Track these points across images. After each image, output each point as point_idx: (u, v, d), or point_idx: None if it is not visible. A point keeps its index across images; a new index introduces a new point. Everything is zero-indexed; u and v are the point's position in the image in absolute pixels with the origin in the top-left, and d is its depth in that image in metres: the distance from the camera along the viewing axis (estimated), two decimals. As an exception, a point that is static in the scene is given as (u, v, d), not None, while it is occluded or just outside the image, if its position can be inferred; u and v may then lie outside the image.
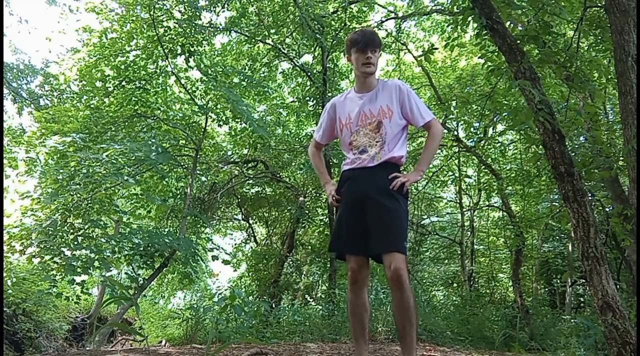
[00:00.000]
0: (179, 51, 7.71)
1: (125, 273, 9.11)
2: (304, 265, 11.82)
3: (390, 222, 2.30)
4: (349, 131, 2.52)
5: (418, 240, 11.47)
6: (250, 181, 11.04)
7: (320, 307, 7.21)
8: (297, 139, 10.29)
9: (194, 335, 5.43)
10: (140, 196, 8.77)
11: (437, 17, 10.17)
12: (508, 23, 4.08)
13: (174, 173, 9.36)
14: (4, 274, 6.03)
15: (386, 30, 10.64)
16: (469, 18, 3.92)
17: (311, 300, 9.81)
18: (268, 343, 4.24)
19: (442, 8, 8.54)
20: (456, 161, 10.87)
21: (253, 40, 9.44)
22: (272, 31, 9.26)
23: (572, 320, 6.51)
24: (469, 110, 8.24)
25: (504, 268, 11.84)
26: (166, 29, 7.59)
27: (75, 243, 6.50)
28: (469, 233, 11.27)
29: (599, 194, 8.10)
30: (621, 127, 3.63)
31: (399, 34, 10.24)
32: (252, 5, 8.96)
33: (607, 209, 8.22)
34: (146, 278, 7.08)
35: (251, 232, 12.35)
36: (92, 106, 8.09)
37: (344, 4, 8.83)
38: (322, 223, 10.52)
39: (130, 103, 8.05)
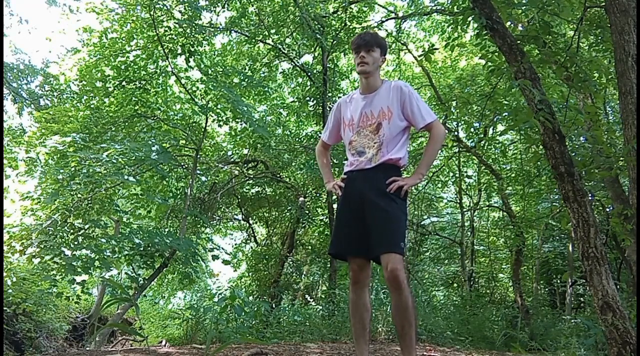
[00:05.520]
0: (179, 51, 7.72)
1: (126, 273, 9.10)
2: (304, 265, 11.82)
3: (387, 223, 2.31)
4: (351, 131, 2.54)
5: (418, 240, 11.46)
6: (250, 181, 11.04)
7: (321, 307, 7.21)
8: (297, 139, 10.29)
9: (194, 335, 5.43)
10: (140, 196, 8.77)
11: (437, 17, 10.17)
12: (508, 23, 4.09)
13: (174, 173, 9.37)
14: (4, 274, 6.02)
15: (386, 30, 10.65)
16: (469, 18, 3.93)
17: (311, 300, 9.81)
18: (268, 343, 4.24)
19: (442, 8, 8.53)
20: (456, 161, 10.87)
21: (253, 40, 9.44)
22: (272, 31, 9.26)
23: (572, 320, 6.50)
24: (469, 111, 8.23)
25: (504, 268, 11.83)
26: (166, 29, 7.59)
27: (76, 243, 6.51)
28: (469, 233, 11.26)
29: (599, 194, 8.10)
30: (621, 127, 3.64)
31: (399, 34, 10.23)
32: (252, 5, 8.96)
33: (607, 209, 8.22)
34: (146, 278, 7.09)
35: (251, 232, 12.35)
36: (92, 106, 8.09)
37: (344, 4, 8.82)
38: (322, 223, 10.52)
39: (130, 103, 8.05)
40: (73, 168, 6.31)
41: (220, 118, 7.99)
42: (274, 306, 8.38)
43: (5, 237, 6.19)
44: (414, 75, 11.96)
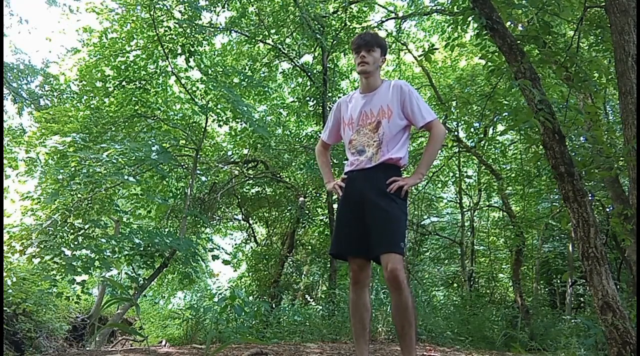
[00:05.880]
0: (179, 51, 7.72)
1: (126, 273, 9.10)
2: (304, 265, 11.82)
3: (387, 223, 2.30)
4: (350, 130, 2.54)
5: (418, 240, 11.46)
6: (250, 181, 11.04)
7: (321, 307, 7.21)
8: (297, 139, 10.29)
9: (194, 335, 5.43)
10: (140, 196, 8.77)
11: (437, 17, 10.16)
12: (508, 23, 4.09)
13: (174, 173, 9.37)
14: (4, 274, 6.02)
15: (386, 30, 10.65)
16: (469, 18, 3.92)
17: (311, 300, 9.81)
18: (268, 343, 4.24)
19: (442, 8, 8.53)
20: (456, 161, 10.87)
21: (253, 40, 9.44)
22: (272, 31, 9.26)
23: (572, 320, 6.51)
24: (469, 111, 8.23)
25: (504, 268, 11.84)
26: (166, 29, 7.60)
27: (76, 243, 6.50)
28: (469, 233, 11.26)
29: (599, 194, 8.10)
30: (621, 127, 3.64)
31: (399, 34, 10.23)
32: (252, 5, 8.96)
33: (607, 209, 8.22)
34: (146, 278, 7.08)
35: (251, 232, 12.35)
36: (92, 106, 8.09)
37: (344, 4, 8.82)
38: (322, 223, 10.52)
39: (130, 103, 8.05)
40: (73, 168, 6.31)
41: (220, 118, 7.99)
42: (274, 306, 8.38)
43: (5, 237, 6.19)
44: (414, 75, 11.96)
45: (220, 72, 8.06)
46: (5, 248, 6.10)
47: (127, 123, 8.10)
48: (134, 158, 6.26)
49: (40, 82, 11.17)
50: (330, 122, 2.73)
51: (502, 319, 7.41)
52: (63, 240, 6.78)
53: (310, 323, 6.04)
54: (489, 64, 4.16)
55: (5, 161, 7.89)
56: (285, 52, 9.47)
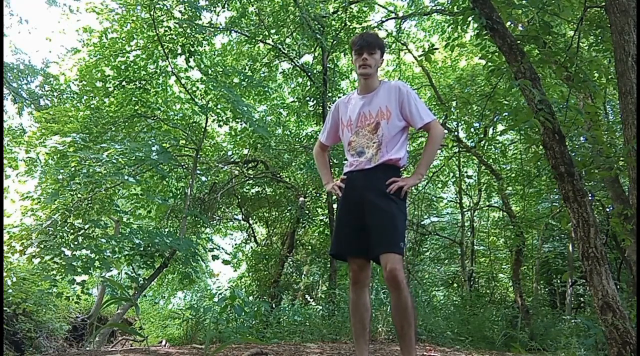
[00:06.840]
0: (179, 51, 7.72)
1: (126, 273, 9.10)
2: (304, 265, 11.82)
3: (386, 223, 2.31)
4: (349, 132, 2.54)
5: (418, 240, 11.46)
6: (251, 181, 11.04)
7: (321, 307, 7.21)
8: (297, 139, 10.29)
9: (194, 335, 5.43)
10: (140, 196, 8.77)
11: (437, 17, 10.16)
12: (508, 23, 4.09)
13: (174, 173, 9.37)
14: (4, 274, 6.02)
15: (386, 30, 10.65)
16: (469, 18, 3.93)
17: (311, 300, 9.81)
18: (268, 343, 4.24)
19: (442, 8, 8.53)
20: (456, 161, 10.86)
21: (253, 40, 9.44)
22: (272, 31, 9.26)
23: (572, 320, 6.51)
24: (469, 111, 8.23)
25: (504, 268, 11.84)
26: (166, 29, 7.60)
27: (76, 243, 6.50)
28: (469, 233, 11.26)
29: (599, 194, 8.10)
30: (621, 127, 3.64)
31: (399, 34, 10.23)
32: (252, 5, 8.96)
33: (607, 209, 8.22)
34: (146, 278, 7.08)
35: (251, 232, 12.35)
36: (92, 106, 8.09)
37: (344, 4, 8.82)
38: (322, 223, 10.52)
39: (130, 103, 8.05)
40: (73, 168, 6.31)
41: (220, 118, 7.99)
42: (274, 306, 8.38)
43: (5, 237, 6.19)
44: (414, 75, 11.96)
45: (220, 72, 8.06)
46: (5, 248, 6.10)
47: (127, 123, 8.10)
48: (134, 158, 6.25)
49: (40, 82, 11.18)
50: (328, 124, 2.73)
51: (502, 319, 7.40)
52: (63, 240, 6.78)
53: (310, 323, 6.04)
54: (489, 64, 4.17)
55: (5, 161, 7.89)
56: (285, 52, 9.47)
